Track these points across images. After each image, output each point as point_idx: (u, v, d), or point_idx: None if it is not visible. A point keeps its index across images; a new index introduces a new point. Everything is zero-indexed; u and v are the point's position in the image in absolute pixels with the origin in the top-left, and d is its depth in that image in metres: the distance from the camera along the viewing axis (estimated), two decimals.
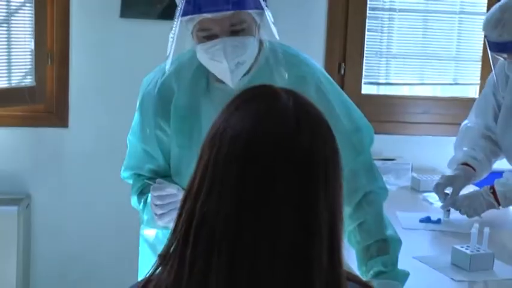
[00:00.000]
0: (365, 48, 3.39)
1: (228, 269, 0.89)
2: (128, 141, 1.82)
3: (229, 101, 0.98)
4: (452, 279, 1.96)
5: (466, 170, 2.61)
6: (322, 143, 0.93)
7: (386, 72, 3.46)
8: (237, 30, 1.58)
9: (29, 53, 3.07)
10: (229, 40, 1.57)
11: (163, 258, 0.96)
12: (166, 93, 1.70)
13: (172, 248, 0.95)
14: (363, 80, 3.41)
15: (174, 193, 1.59)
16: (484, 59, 3.44)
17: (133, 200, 1.79)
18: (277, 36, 1.65)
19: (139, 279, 1.91)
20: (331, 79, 1.78)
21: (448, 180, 2.55)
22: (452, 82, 3.50)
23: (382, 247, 1.67)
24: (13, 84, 3.04)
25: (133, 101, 3.13)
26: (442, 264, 2.06)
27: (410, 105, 3.47)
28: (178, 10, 1.58)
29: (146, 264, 1.90)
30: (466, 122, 2.78)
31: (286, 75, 1.64)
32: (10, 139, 3.17)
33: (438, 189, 2.54)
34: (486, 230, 2.06)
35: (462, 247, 2.06)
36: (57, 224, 3.24)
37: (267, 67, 1.67)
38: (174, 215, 1.57)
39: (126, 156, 1.83)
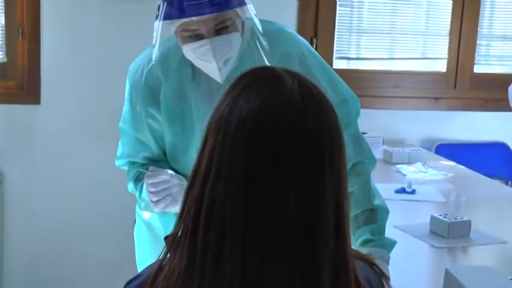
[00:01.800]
0: (336, 24, 3.43)
1: (241, 251, 0.89)
2: (120, 130, 1.81)
3: (231, 85, 0.98)
4: (432, 246, 2.02)
5: None
6: (327, 123, 0.94)
7: (357, 47, 3.51)
8: (222, 28, 1.58)
9: None
10: (216, 40, 1.57)
11: (172, 243, 0.96)
12: (154, 83, 1.70)
13: (180, 233, 0.95)
14: (334, 55, 3.45)
15: (168, 179, 1.61)
16: (452, 33, 3.52)
17: (130, 185, 1.80)
18: (260, 29, 1.64)
19: (136, 255, 1.96)
20: (316, 52, 1.80)
21: None
22: (421, 56, 3.57)
23: (370, 216, 1.71)
24: None
25: (105, 76, 3.14)
26: (421, 232, 2.13)
27: (380, 79, 3.53)
28: (160, 12, 1.57)
29: (142, 241, 1.93)
30: None
31: (269, 56, 1.65)
32: None
33: None
34: (463, 198, 2.13)
35: (440, 215, 2.13)
36: (30, 202, 3.21)
37: (250, 50, 1.67)
38: (168, 200, 1.64)
39: (119, 145, 1.83)
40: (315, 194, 0.92)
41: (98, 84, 3.17)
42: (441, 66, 3.57)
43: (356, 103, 1.78)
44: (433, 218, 2.14)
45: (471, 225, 2.12)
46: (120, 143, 1.83)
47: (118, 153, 1.84)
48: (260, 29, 1.64)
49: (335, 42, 3.44)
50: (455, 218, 2.10)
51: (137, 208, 1.91)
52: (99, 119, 3.18)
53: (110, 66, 3.17)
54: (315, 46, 3.37)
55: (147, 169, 1.72)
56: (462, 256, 2.01)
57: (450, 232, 2.07)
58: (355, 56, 3.51)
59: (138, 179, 1.77)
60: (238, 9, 1.60)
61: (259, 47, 1.66)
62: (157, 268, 0.97)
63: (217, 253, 0.90)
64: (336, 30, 3.43)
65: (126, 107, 1.78)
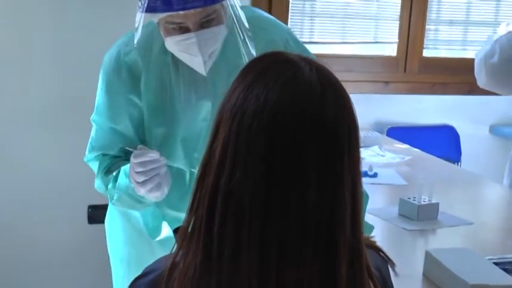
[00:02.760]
0: (290, 7, 3.42)
1: (259, 242, 0.88)
2: (92, 122, 1.74)
3: (242, 72, 0.95)
4: (404, 228, 2.06)
5: None
6: (345, 110, 0.93)
7: (310, 31, 3.52)
8: (207, 21, 1.54)
9: None
10: (202, 33, 1.53)
11: (183, 238, 0.93)
12: (134, 69, 1.64)
13: (191, 227, 0.92)
14: None
15: (157, 158, 1.55)
16: (402, 17, 3.58)
17: (98, 182, 1.72)
18: (246, 24, 1.60)
19: (108, 244, 1.91)
20: (297, 38, 1.79)
21: None
22: (373, 41, 3.61)
23: None
24: None
25: (59, 61, 3.03)
26: (390, 215, 2.17)
27: (333, 63, 3.53)
28: (143, 2, 1.50)
29: (115, 230, 1.89)
30: None
31: (253, 43, 1.61)
32: None
33: None
34: (430, 181, 2.18)
35: (409, 198, 2.17)
36: None
37: (233, 39, 1.63)
38: (157, 181, 1.56)
39: (91, 138, 1.75)
40: (335, 183, 0.91)
41: (49, 70, 3.06)
42: (391, 50, 3.63)
43: None
44: (402, 201, 2.18)
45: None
46: (91, 136, 1.75)
47: (89, 147, 1.75)
48: (245, 20, 1.60)
49: (289, 26, 3.43)
50: (424, 201, 2.15)
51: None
52: (43, 108, 3.08)
53: (63, 48, 3.07)
54: None
55: (123, 160, 1.68)
56: (433, 238, 2.06)
57: (419, 215, 2.11)
58: (308, 40, 3.51)
59: (109, 171, 1.71)
60: (224, 1, 1.56)
61: (244, 36, 1.62)
62: (171, 264, 0.94)
63: (235, 246, 0.88)
64: (289, 14, 3.43)
65: (101, 99, 1.71)
